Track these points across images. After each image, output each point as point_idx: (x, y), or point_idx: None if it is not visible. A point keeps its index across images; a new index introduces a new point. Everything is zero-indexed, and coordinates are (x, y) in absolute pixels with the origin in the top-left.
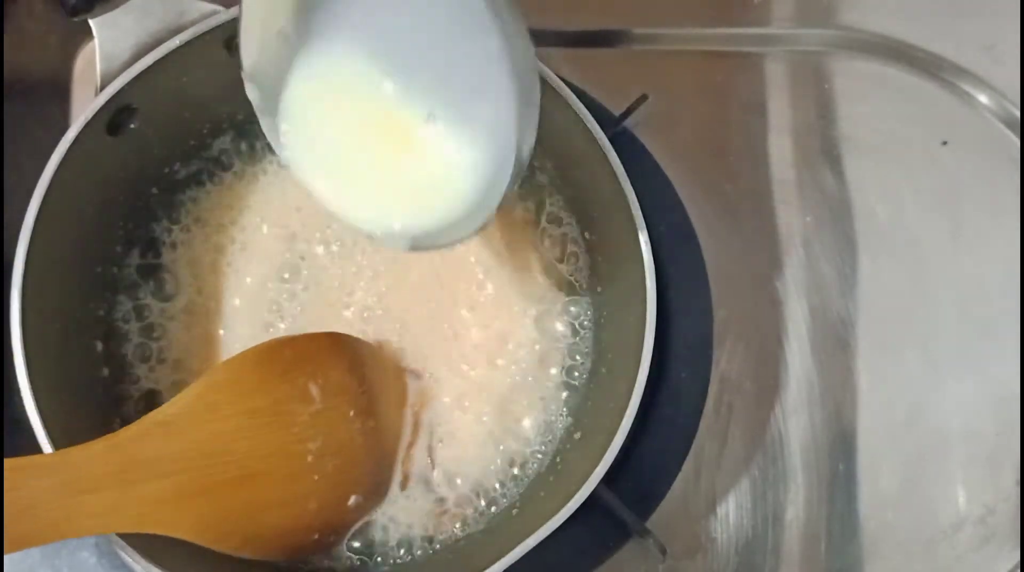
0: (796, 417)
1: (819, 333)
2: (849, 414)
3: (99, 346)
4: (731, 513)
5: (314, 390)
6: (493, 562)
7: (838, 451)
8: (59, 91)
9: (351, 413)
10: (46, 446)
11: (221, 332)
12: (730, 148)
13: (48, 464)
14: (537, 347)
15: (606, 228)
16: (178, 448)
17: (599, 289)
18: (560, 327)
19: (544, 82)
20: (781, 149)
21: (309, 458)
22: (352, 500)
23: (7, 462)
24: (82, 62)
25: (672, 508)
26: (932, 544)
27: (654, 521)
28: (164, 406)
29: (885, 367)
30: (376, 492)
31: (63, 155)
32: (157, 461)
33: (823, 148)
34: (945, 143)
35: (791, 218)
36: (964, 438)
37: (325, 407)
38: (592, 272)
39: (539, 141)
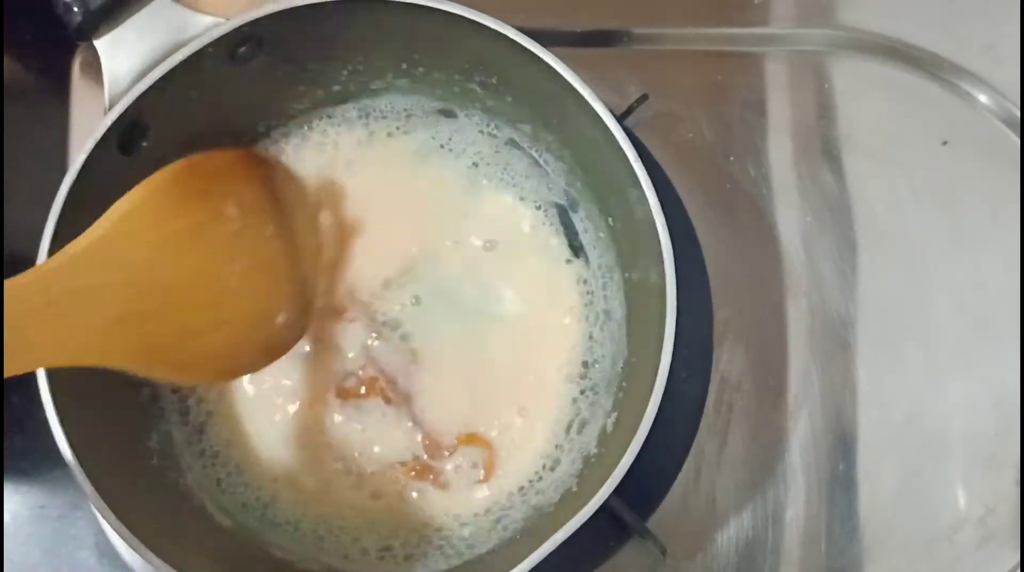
0: (796, 417)
1: (819, 333)
2: (849, 414)
3: None
4: (731, 513)
5: (231, 209)
6: None
7: (838, 451)
8: (58, 92)
9: (269, 231)
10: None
11: None
12: (730, 148)
13: None
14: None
15: (627, 214)
16: (103, 278)
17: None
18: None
19: (552, 70)
20: (781, 149)
21: (233, 280)
22: (281, 318)
23: None
24: (81, 62)
25: (672, 508)
26: (932, 544)
27: (654, 521)
28: (81, 237)
29: (885, 367)
30: (303, 311)
31: (75, 176)
32: (84, 292)
33: (823, 148)
34: (945, 143)
35: (791, 218)
36: (964, 438)
37: (244, 225)
38: (619, 259)
39: (554, 129)
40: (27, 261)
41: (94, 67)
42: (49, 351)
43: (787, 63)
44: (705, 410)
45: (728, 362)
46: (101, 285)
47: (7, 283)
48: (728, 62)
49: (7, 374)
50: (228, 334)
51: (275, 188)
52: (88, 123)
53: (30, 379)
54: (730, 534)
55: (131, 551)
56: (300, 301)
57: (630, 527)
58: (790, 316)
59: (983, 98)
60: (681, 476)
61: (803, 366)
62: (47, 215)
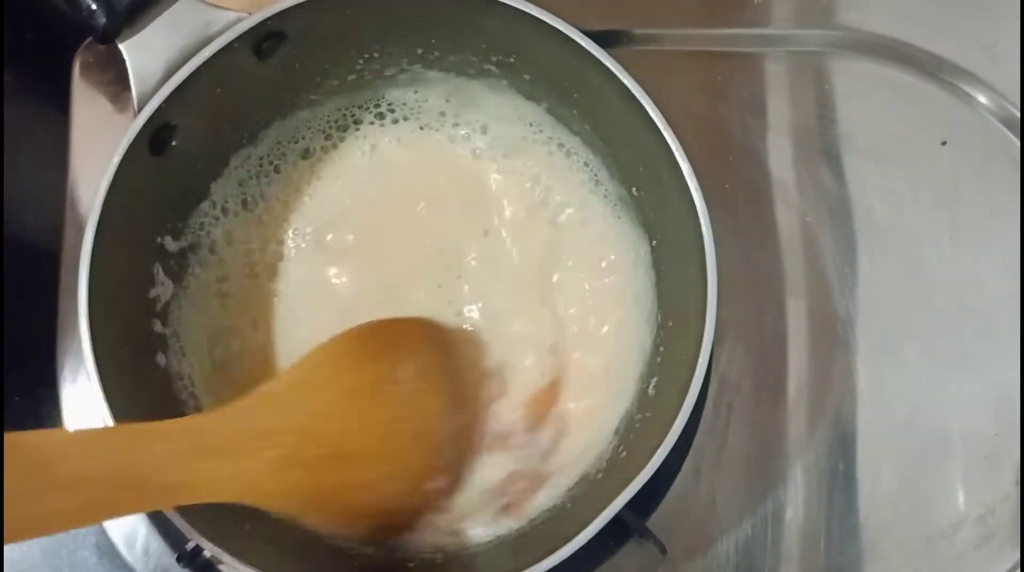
0: (796, 417)
1: (819, 333)
2: (849, 414)
3: (161, 360)
4: (731, 513)
5: (404, 372)
6: None
7: (838, 451)
8: (58, 92)
9: (438, 398)
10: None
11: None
12: (730, 148)
13: (167, 431)
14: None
15: (654, 182)
16: (284, 422)
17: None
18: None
19: (572, 41)
20: (781, 149)
21: (400, 439)
22: (438, 483)
23: (128, 427)
24: (81, 63)
25: (672, 508)
26: (931, 544)
27: (654, 521)
28: (272, 381)
29: (885, 367)
30: (453, 481)
31: (111, 181)
32: (265, 433)
33: (823, 148)
34: (945, 143)
35: (791, 218)
36: (964, 438)
37: (415, 389)
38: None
39: (574, 104)
40: (29, 258)
41: (94, 67)
42: (224, 487)
43: (787, 63)
44: (704, 410)
45: (728, 362)
46: (282, 428)
47: (195, 418)
48: (728, 62)
49: (184, 503)
50: (387, 491)
51: (448, 356)
52: (89, 123)
53: (46, 376)
54: (730, 534)
55: (132, 550)
56: (454, 470)
57: (630, 527)
58: (790, 316)
59: (983, 98)
60: (681, 476)
61: (803, 366)
62: (47, 214)
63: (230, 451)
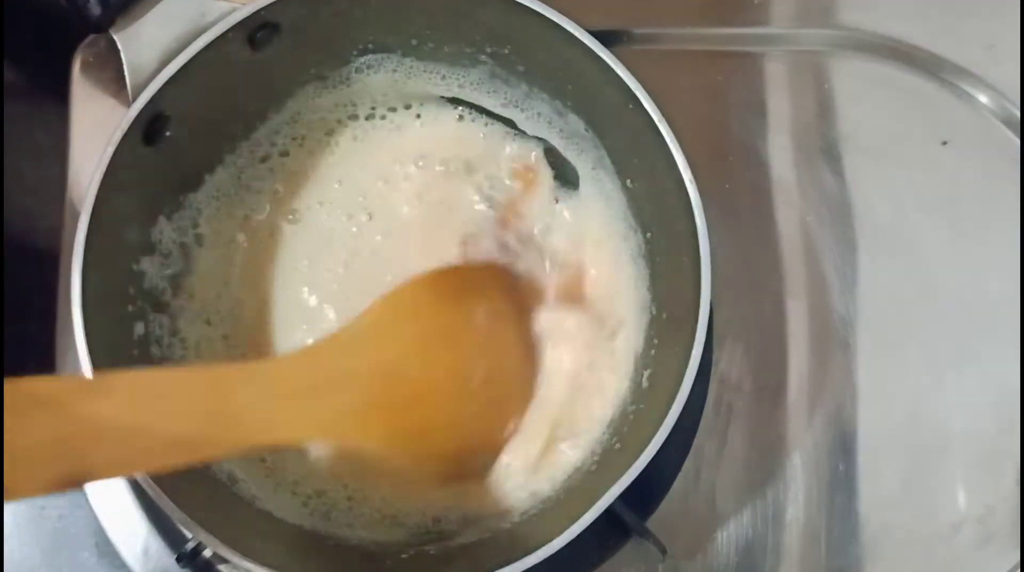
0: (796, 417)
1: (819, 333)
2: (849, 414)
3: (156, 351)
4: (731, 513)
5: (480, 315)
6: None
7: (838, 451)
8: (58, 91)
9: (512, 340)
10: None
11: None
12: (730, 148)
13: (250, 373)
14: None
15: (649, 174)
16: (360, 365)
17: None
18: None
19: (567, 33)
20: (781, 149)
21: (476, 382)
22: (508, 427)
23: (213, 371)
24: (81, 62)
25: (672, 508)
26: (932, 544)
27: (654, 521)
28: (347, 326)
29: (885, 367)
30: (520, 422)
31: (104, 172)
32: (343, 376)
33: (823, 148)
34: (945, 143)
35: (791, 218)
36: (964, 438)
37: (490, 333)
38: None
39: (569, 95)
40: (29, 258)
41: (94, 66)
42: (310, 425)
43: (787, 63)
44: (704, 410)
45: (728, 362)
46: (359, 371)
47: (276, 361)
48: (728, 62)
49: (271, 442)
50: (463, 433)
51: (520, 301)
52: (88, 123)
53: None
54: (730, 534)
55: (132, 550)
56: (523, 412)
57: (630, 527)
58: (790, 316)
59: (983, 98)
60: (681, 476)
61: (803, 366)
62: (47, 214)
63: (310, 392)
